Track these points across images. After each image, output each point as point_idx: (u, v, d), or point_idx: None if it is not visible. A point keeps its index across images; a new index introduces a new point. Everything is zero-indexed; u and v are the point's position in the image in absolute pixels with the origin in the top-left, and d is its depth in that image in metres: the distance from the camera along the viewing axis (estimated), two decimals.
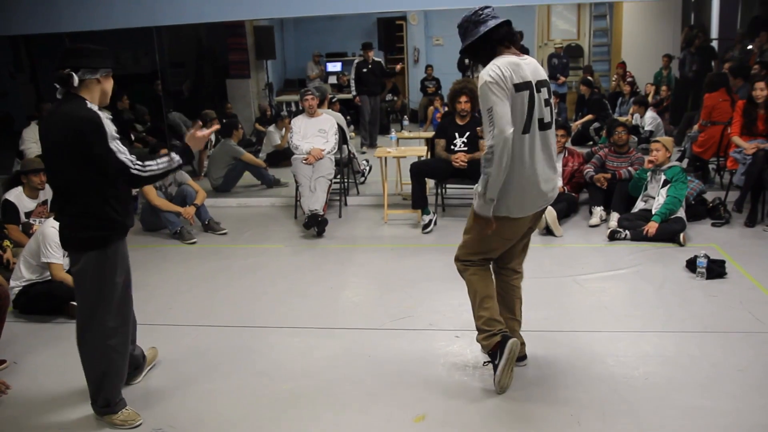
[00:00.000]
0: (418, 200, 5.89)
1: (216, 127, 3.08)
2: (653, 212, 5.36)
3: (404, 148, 7.12)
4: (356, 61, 10.14)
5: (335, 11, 7.29)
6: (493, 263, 3.26)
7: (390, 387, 3.23)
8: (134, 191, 5.91)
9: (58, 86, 2.73)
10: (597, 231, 5.65)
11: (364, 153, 9.11)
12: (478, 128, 3.26)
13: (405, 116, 11.28)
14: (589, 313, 4.06)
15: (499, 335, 3.06)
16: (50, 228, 4.08)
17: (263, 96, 11.75)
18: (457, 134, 5.99)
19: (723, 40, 9.61)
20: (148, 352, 3.43)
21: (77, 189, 2.73)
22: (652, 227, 5.23)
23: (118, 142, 2.70)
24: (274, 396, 3.20)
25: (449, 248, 3.25)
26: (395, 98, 12.37)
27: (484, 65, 2.89)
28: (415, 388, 3.20)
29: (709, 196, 6.08)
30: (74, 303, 4.14)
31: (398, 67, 10.81)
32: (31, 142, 7.25)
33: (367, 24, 12.41)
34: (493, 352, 3.07)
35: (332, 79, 12.49)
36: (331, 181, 6.25)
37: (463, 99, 5.92)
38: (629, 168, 5.92)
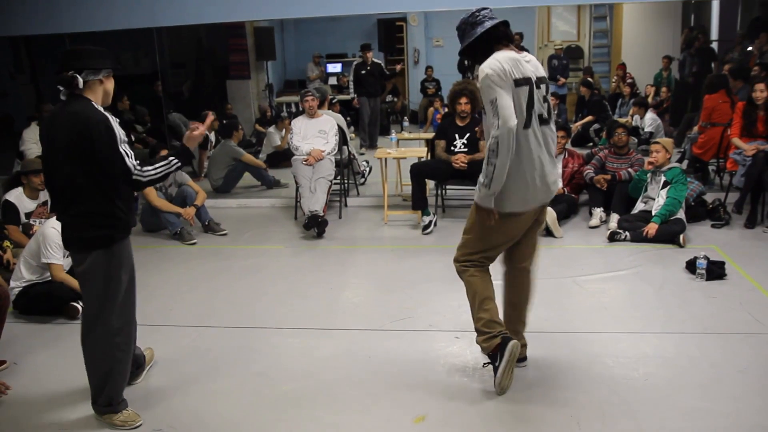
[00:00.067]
0: (418, 201, 5.89)
1: (210, 118, 3.08)
2: (653, 213, 5.37)
3: (404, 149, 7.12)
4: (355, 63, 10.13)
5: (335, 12, 7.29)
6: (506, 264, 3.25)
7: (390, 388, 3.23)
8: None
9: (61, 88, 2.74)
10: (597, 232, 5.65)
11: (362, 154, 9.11)
12: (477, 128, 3.26)
13: (405, 117, 11.27)
14: (589, 314, 4.06)
15: (500, 337, 3.05)
16: (50, 229, 4.09)
17: (263, 97, 11.76)
18: (457, 135, 5.99)
19: (723, 42, 9.61)
20: (145, 353, 3.43)
21: (83, 189, 2.74)
22: (651, 228, 5.24)
23: (126, 145, 2.73)
24: (275, 396, 3.20)
25: (449, 249, 3.25)
26: (395, 99, 12.37)
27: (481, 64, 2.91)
28: (415, 388, 3.21)
29: (709, 197, 6.09)
30: (74, 304, 4.18)
31: (398, 67, 10.81)
32: (32, 143, 7.25)
33: (368, 25, 12.41)
34: (494, 354, 3.07)
35: (332, 80, 12.49)
36: (331, 182, 6.25)
37: (463, 100, 5.92)
38: (629, 169, 5.93)
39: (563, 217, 5.85)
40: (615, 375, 3.27)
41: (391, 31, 12.41)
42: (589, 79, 10.71)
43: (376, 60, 9.99)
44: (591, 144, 9.18)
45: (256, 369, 3.48)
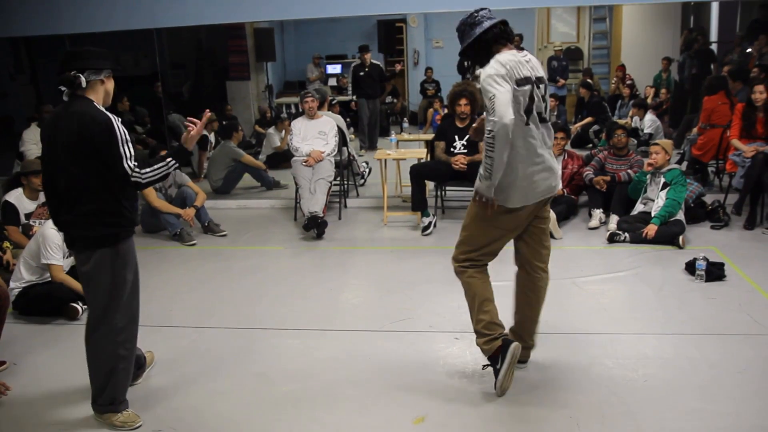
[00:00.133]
0: (418, 202, 5.89)
1: (207, 115, 3.09)
2: (652, 215, 5.37)
3: (404, 150, 7.12)
4: (353, 65, 10.12)
5: (335, 14, 7.30)
6: (522, 265, 3.23)
7: (390, 388, 3.23)
8: None
9: (64, 88, 2.77)
10: (596, 233, 5.66)
11: (362, 156, 9.11)
12: (473, 126, 3.27)
13: (405, 118, 11.27)
14: (589, 315, 4.07)
15: (500, 339, 3.05)
16: (50, 229, 4.09)
17: (263, 98, 11.76)
18: (456, 137, 6.00)
19: (722, 43, 9.62)
20: (145, 355, 3.43)
21: (89, 188, 2.76)
22: (651, 230, 5.24)
23: (128, 145, 2.74)
24: (275, 397, 3.20)
25: (449, 250, 3.25)
26: (395, 100, 12.37)
27: (482, 66, 2.92)
28: (414, 389, 3.21)
29: (709, 198, 6.09)
30: (74, 304, 4.19)
31: (398, 66, 10.80)
32: (31, 144, 7.25)
33: (367, 26, 12.41)
34: (494, 356, 3.06)
35: (332, 81, 12.49)
36: (330, 183, 6.26)
37: (463, 101, 5.93)
38: (628, 170, 5.93)
39: (563, 218, 5.86)
40: (614, 376, 3.27)
41: (390, 33, 12.41)
42: (589, 80, 10.72)
43: (374, 61, 9.97)
44: (590, 145, 9.18)
45: (255, 369, 3.48)
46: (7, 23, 7.41)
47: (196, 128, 2.96)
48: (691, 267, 4.58)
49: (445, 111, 8.12)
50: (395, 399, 3.13)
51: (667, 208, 5.31)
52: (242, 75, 11.53)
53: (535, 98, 2.93)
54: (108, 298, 2.86)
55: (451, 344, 3.68)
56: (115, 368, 2.92)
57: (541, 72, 3.02)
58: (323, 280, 4.83)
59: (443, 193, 6.64)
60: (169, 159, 2.88)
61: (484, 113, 2.94)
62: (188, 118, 3.00)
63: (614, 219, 5.62)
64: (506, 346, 3.02)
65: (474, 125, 3.25)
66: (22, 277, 4.22)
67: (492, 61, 2.86)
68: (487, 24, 2.94)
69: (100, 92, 2.83)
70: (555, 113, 9.56)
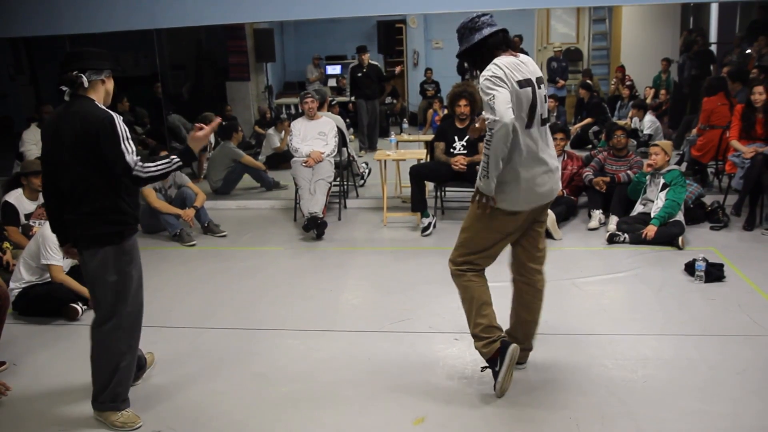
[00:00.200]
0: (418, 203, 5.90)
1: (218, 121, 3.11)
2: (652, 215, 5.37)
3: (403, 151, 7.13)
4: (351, 66, 10.10)
5: (335, 14, 7.31)
6: (518, 269, 3.23)
7: (389, 389, 3.23)
8: None
9: (65, 88, 2.80)
10: (596, 234, 5.66)
11: (361, 156, 9.11)
12: (475, 125, 3.26)
13: (404, 119, 11.28)
14: (588, 316, 4.07)
15: (499, 341, 3.06)
16: (50, 230, 4.08)
17: (263, 99, 11.76)
18: (456, 137, 6.00)
19: (722, 45, 9.63)
20: (146, 356, 3.44)
21: (92, 186, 2.79)
22: (650, 230, 5.24)
23: (129, 142, 2.78)
24: (274, 397, 3.20)
25: (448, 251, 3.25)
26: (395, 101, 12.38)
27: (481, 70, 2.93)
28: (414, 390, 3.21)
29: (708, 199, 6.09)
30: (74, 305, 4.19)
31: (398, 68, 10.80)
32: (31, 144, 7.25)
33: (367, 27, 12.42)
34: (493, 359, 3.07)
35: (332, 82, 12.50)
36: (330, 183, 6.26)
37: (463, 102, 5.94)
38: (628, 171, 5.94)
39: (562, 219, 5.86)
40: (614, 377, 3.27)
41: (390, 33, 12.41)
42: (588, 81, 10.72)
43: (372, 62, 9.92)
44: (590, 146, 9.18)
45: (255, 370, 3.48)
46: (7, 23, 7.41)
47: (204, 130, 2.98)
48: (690, 268, 4.58)
49: (445, 112, 8.13)
50: (395, 400, 3.14)
51: (666, 209, 5.31)
52: (242, 76, 11.53)
53: (538, 100, 2.93)
54: (115, 295, 2.89)
55: (450, 345, 3.69)
56: (119, 365, 2.94)
57: (540, 72, 3.03)
58: (323, 281, 4.83)
59: (443, 193, 6.64)
60: (173, 157, 2.90)
61: (483, 113, 2.94)
62: (197, 124, 3.02)
63: (614, 220, 5.63)
64: (505, 348, 3.02)
65: (477, 125, 3.25)
66: (22, 277, 4.22)
67: (491, 64, 2.87)
68: (486, 31, 2.95)
69: (101, 92, 2.88)
70: (554, 114, 9.57)
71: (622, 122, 8.31)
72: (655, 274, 4.69)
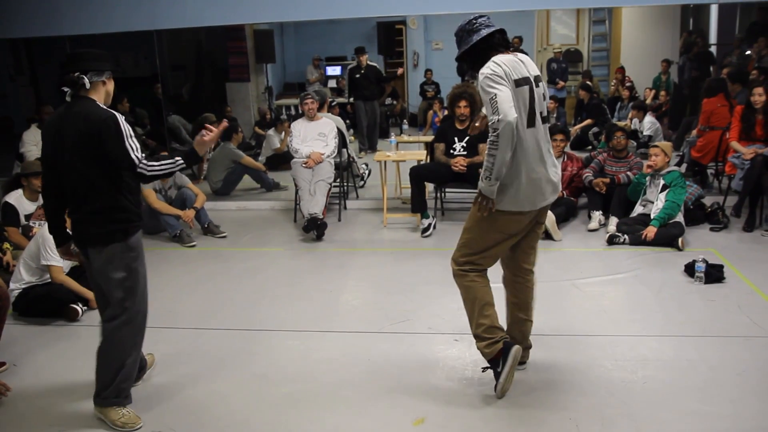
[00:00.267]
0: (418, 204, 5.90)
1: (224, 125, 3.14)
2: (652, 217, 5.38)
3: (404, 152, 7.13)
4: (349, 67, 10.08)
5: (335, 15, 7.31)
6: (509, 267, 3.24)
7: (389, 390, 3.24)
8: None
9: (67, 89, 2.84)
10: (596, 235, 5.66)
11: (361, 158, 9.11)
12: (473, 123, 3.27)
13: (404, 120, 11.28)
14: (588, 317, 4.07)
15: (501, 342, 3.06)
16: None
17: (263, 99, 11.76)
18: (456, 138, 6.00)
19: (721, 46, 9.63)
20: (146, 357, 3.44)
21: (97, 185, 2.83)
22: (650, 232, 5.25)
23: (133, 140, 2.82)
24: (274, 399, 3.21)
25: (448, 252, 3.25)
26: (395, 102, 12.38)
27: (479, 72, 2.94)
28: (414, 391, 3.21)
29: (708, 200, 6.10)
30: (74, 306, 4.19)
31: (399, 71, 10.77)
32: (31, 145, 7.25)
33: (367, 28, 12.42)
34: (495, 359, 3.07)
35: (332, 83, 12.50)
36: (330, 184, 6.26)
37: (463, 103, 5.94)
38: (628, 173, 5.94)
39: (562, 220, 5.87)
40: (614, 378, 3.27)
41: (390, 35, 12.41)
42: (588, 82, 10.72)
43: (371, 63, 9.89)
44: (590, 147, 9.18)
45: (255, 371, 3.48)
46: (7, 24, 7.41)
47: (211, 134, 3.01)
48: (690, 269, 4.58)
49: (445, 113, 8.14)
50: (395, 400, 3.14)
51: (666, 210, 5.31)
52: (242, 76, 11.53)
53: (536, 98, 2.93)
54: (124, 292, 2.92)
55: (450, 346, 3.69)
56: (125, 362, 2.97)
57: (538, 71, 3.03)
58: (323, 282, 4.83)
59: (443, 194, 6.64)
60: (177, 158, 2.94)
61: (483, 110, 2.93)
62: (205, 125, 3.05)
63: (614, 221, 5.63)
64: (507, 349, 3.02)
65: (476, 123, 3.24)
66: (22, 278, 4.22)
67: (489, 63, 2.87)
68: (484, 32, 2.96)
69: (102, 93, 2.92)
70: (554, 115, 9.57)
71: (621, 123, 8.31)
72: (655, 275, 4.69)
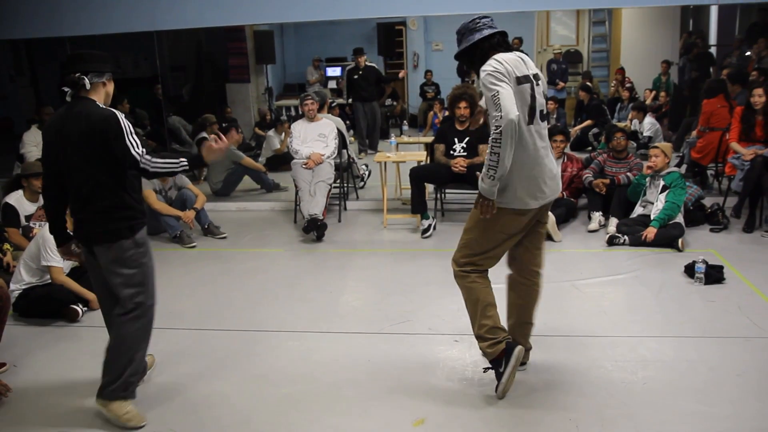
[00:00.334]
0: (418, 205, 5.90)
1: (238, 137, 3.19)
2: (652, 218, 5.38)
3: (404, 152, 7.13)
4: (347, 68, 10.07)
5: (335, 17, 7.31)
6: (516, 268, 3.23)
7: (389, 391, 3.24)
8: None
9: (68, 89, 2.87)
10: (596, 236, 5.66)
11: (361, 159, 9.11)
12: (473, 118, 3.27)
13: (404, 121, 11.29)
14: (588, 317, 4.07)
15: (504, 342, 3.06)
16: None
17: (263, 100, 11.78)
18: (456, 139, 6.00)
19: (721, 47, 9.65)
20: (146, 358, 3.44)
21: (101, 184, 2.86)
22: (650, 232, 5.25)
23: (134, 136, 2.85)
24: (274, 399, 3.21)
25: (448, 253, 3.26)
26: (395, 103, 12.39)
27: (477, 71, 2.97)
28: (414, 392, 3.21)
29: (708, 201, 6.10)
30: (74, 306, 4.19)
31: (401, 74, 10.75)
32: (32, 146, 7.26)
33: (367, 29, 12.44)
34: (498, 360, 3.07)
35: (332, 84, 12.52)
36: (330, 185, 6.27)
37: (463, 104, 5.94)
38: (628, 173, 5.94)
39: (562, 221, 5.87)
40: (614, 379, 3.27)
41: (390, 36, 12.42)
42: (588, 83, 10.74)
43: (369, 64, 9.86)
44: (590, 148, 9.19)
45: (255, 371, 3.49)
46: (7, 25, 7.42)
47: (220, 143, 3.03)
48: (690, 270, 4.59)
49: (445, 114, 8.14)
50: (395, 401, 3.14)
51: (666, 211, 5.32)
52: (242, 77, 11.55)
53: (537, 96, 2.95)
54: (135, 287, 2.96)
55: (450, 347, 3.69)
56: (135, 355, 2.99)
57: (536, 68, 3.04)
58: (323, 283, 4.84)
59: (443, 195, 6.64)
60: (182, 159, 2.97)
61: (482, 103, 2.94)
62: (216, 131, 3.06)
63: (613, 222, 5.63)
64: (510, 350, 3.02)
65: (478, 118, 3.24)
66: (22, 278, 4.22)
67: (490, 60, 2.87)
68: (486, 32, 2.97)
69: (102, 94, 2.95)
70: (554, 116, 9.58)
71: (621, 124, 8.32)
72: (655, 276, 4.70)
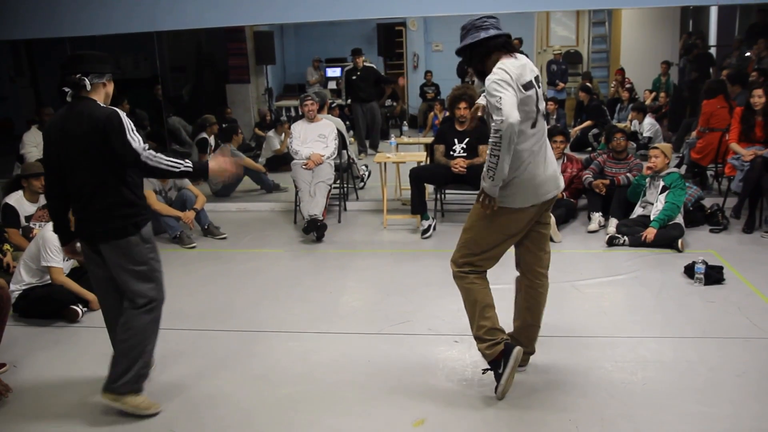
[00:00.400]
0: (418, 205, 5.90)
1: (245, 161, 3.22)
2: (652, 218, 5.38)
3: (403, 153, 7.13)
4: (346, 69, 10.05)
5: (335, 17, 7.31)
6: (524, 271, 3.23)
7: (389, 391, 3.24)
8: None
9: (68, 90, 2.88)
10: (595, 237, 5.67)
11: (360, 160, 9.11)
12: (470, 116, 3.28)
13: (404, 122, 11.29)
14: (588, 318, 4.07)
15: (502, 344, 3.06)
16: (50, 232, 4.08)
17: (263, 101, 11.78)
18: (456, 140, 6.00)
19: (721, 47, 9.65)
20: None
21: (104, 182, 2.88)
22: (650, 233, 5.25)
23: (135, 133, 2.87)
24: (274, 400, 3.21)
25: (448, 253, 3.26)
26: (394, 104, 12.39)
27: (475, 68, 3.03)
28: (414, 392, 3.21)
29: (708, 202, 6.10)
30: (74, 307, 4.19)
31: (401, 81, 10.69)
32: (32, 146, 7.26)
33: (367, 30, 12.44)
34: (496, 361, 3.07)
35: (332, 85, 12.51)
36: (330, 186, 6.27)
37: (463, 105, 5.93)
38: (628, 174, 5.94)
39: (562, 221, 5.87)
40: (614, 379, 3.28)
41: (390, 36, 12.43)
42: (588, 84, 10.74)
43: (367, 64, 9.84)
44: (590, 149, 9.19)
45: (255, 372, 3.49)
46: (7, 26, 7.42)
47: (229, 163, 3.07)
48: (690, 270, 4.59)
49: (445, 114, 8.14)
50: (395, 401, 3.14)
51: (666, 211, 5.32)
52: (242, 78, 11.55)
53: (539, 99, 2.99)
54: (146, 282, 3.00)
55: (450, 347, 3.69)
56: (146, 348, 3.03)
57: (537, 70, 3.07)
58: (323, 283, 4.84)
59: (443, 196, 6.64)
60: (187, 161, 2.98)
61: (479, 100, 2.95)
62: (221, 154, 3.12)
63: (613, 222, 5.63)
64: (509, 351, 3.03)
65: (479, 113, 3.24)
66: (22, 279, 4.23)
67: (497, 68, 2.89)
68: (492, 32, 2.99)
69: (102, 94, 2.97)
70: (554, 117, 9.58)
71: (621, 125, 8.32)
72: (655, 276, 4.70)
